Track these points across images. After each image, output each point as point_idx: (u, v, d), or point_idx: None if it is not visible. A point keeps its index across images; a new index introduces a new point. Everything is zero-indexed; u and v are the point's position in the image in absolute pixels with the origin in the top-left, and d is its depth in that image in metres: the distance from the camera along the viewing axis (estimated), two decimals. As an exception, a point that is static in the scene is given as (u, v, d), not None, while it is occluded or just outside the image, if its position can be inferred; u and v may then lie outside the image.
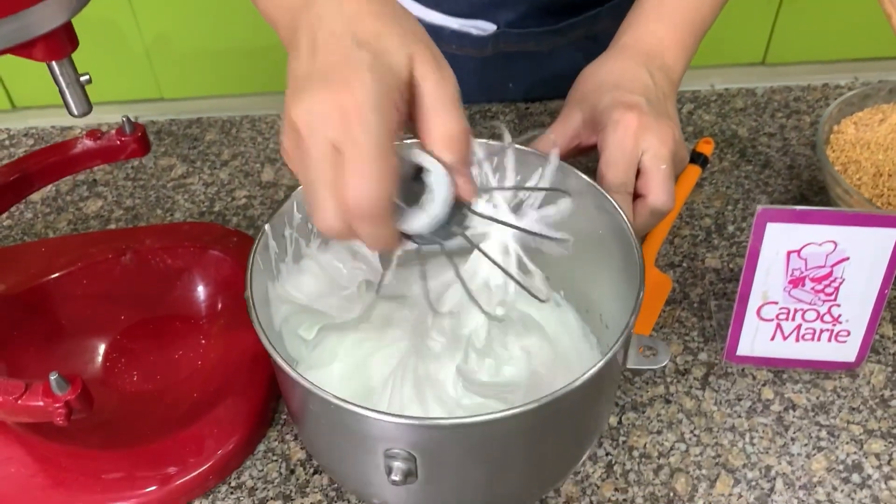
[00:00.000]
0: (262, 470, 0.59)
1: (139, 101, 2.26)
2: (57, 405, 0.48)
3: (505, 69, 0.90)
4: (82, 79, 0.47)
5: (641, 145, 0.58)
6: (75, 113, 0.49)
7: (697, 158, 0.83)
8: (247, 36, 2.11)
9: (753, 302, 0.61)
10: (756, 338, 0.63)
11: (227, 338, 0.66)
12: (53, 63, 0.46)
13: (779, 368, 0.64)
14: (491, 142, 0.56)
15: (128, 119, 0.62)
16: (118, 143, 0.62)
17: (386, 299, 0.63)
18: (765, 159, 0.81)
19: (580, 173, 0.55)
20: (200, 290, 0.69)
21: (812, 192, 0.78)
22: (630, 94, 0.60)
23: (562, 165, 0.54)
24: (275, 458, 0.60)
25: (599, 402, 0.52)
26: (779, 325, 0.62)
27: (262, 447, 0.60)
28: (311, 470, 0.59)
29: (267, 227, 0.52)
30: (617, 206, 0.54)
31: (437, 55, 0.41)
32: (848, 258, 0.59)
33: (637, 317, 0.48)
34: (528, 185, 0.53)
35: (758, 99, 0.89)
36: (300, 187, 0.55)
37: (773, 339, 0.63)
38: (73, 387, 0.48)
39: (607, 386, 0.52)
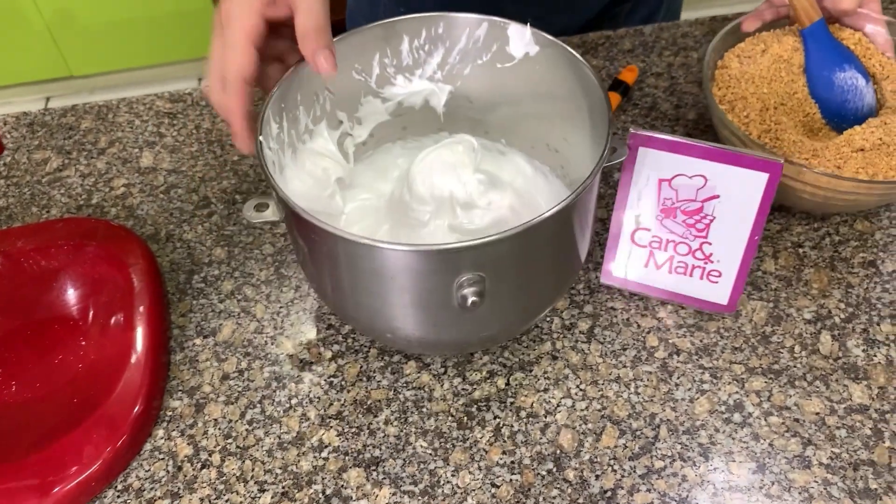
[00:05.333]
0: (149, 469, 0.58)
1: (50, 81, 2.17)
2: None
3: None
4: None
5: None
6: None
7: (618, 86, 0.83)
8: (151, 4, 2.03)
9: (627, 225, 0.62)
10: (629, 262, 0.64)
11: (108, 336, 0.64)
12: None
13: (657, 309, 0.65)
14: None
15: (-29, 121, 0.58)
16: (-36, 146, 0.59)
17: (354, 193, 0.66)
18: (651, 101, 0.81)
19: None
20: (78, 290, 0.67)
21: (699, 132, 0.78)
22: None
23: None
24: (161, 456, 0.59)
25: (594, 202, 0.56)
26: (652, 253, 0.63)
27: (148, 446, 0.59)
28: (199, 465, 0.58)
29: (261, 137, 0.54)
30: None
31: None
32: (718, 196, 0.59)
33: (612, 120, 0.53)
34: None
35: (646, 38, 0.87)
36: (269, 100, 0.56)
37: (646, 265, 0.63)
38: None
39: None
